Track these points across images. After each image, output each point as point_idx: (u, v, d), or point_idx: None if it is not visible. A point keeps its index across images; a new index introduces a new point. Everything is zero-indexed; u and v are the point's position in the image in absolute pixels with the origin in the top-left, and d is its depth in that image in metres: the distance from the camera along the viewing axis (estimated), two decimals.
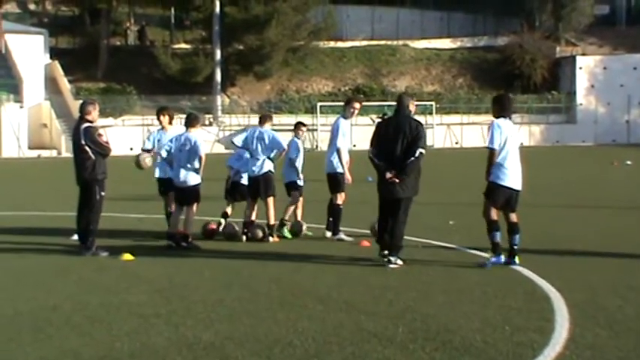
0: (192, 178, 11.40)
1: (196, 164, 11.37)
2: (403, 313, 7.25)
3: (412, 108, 10.09)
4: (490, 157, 9.60)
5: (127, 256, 10.32)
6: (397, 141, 9.70)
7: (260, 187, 11.94)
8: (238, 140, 12.46)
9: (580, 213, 15.54)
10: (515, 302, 7.69)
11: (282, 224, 12.32)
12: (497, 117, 9.85)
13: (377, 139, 9.98)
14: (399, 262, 9.65)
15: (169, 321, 7.05)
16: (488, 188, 9.76)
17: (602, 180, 24.37)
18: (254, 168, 11.99)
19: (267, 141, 11.95)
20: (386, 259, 9.67)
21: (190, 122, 11.70)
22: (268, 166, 12.00)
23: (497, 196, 9.67)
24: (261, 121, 12.32)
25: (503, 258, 9.70)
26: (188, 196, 11.39)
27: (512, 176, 9.69)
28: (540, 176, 25.76)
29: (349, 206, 12.38)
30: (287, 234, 12.26)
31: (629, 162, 31.91)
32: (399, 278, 8.88)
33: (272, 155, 12.03)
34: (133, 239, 11.97)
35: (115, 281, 8.93)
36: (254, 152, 12.00)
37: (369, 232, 12.13)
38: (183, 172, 11.38)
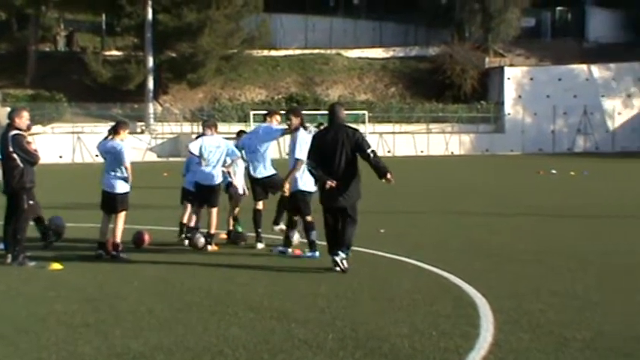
0: (120, 186, 11.24)
1: (123, 172, 11.23)
2: (333, 321, 7.34)
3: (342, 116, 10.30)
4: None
5: (56, 266, 10.18)
6: (336, 151, 9.84)
7: (210, 196, 11.98)
8: (195, 148, 12.08)
9: (507, 221, 15.88)
10: (443, 309, 7.84)
11: (236, 219, 12.74)
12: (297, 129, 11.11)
13: (315, 151, 10.09)
14: (345, 263, 9.75)
15: (98, 330, 7.00)
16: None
17: (529, 188, 24.90)
18: (207, 176, 11.98)
19: (223, 149, 12.00)
20: (337, 257, 9.78)
21: (115, 129, 11.52)
22: (221, 176, 12.08)
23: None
24: (210, 128, 12.30)
25: (317, 254, 10.86)
26: (115, 204, 11.25)
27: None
28: (469, 184, 26.22)
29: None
30: (239, 228, 12.70)
31: (554, 171, 32.67)
32: (330, 286, 8.95)
33: (226, 163, 12.12)
34: (61, 248, 11.79)
35: (42, 291, 8.80)
36: (209, 161, 11.97)
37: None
38: (109, 179, 11.25)
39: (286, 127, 11.64)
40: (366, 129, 47.87)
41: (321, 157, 9.94)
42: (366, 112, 50.12)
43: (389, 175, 9.84)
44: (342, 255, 9.78)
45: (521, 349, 6.38)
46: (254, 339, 6.71)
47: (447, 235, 13.59)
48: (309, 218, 11.03)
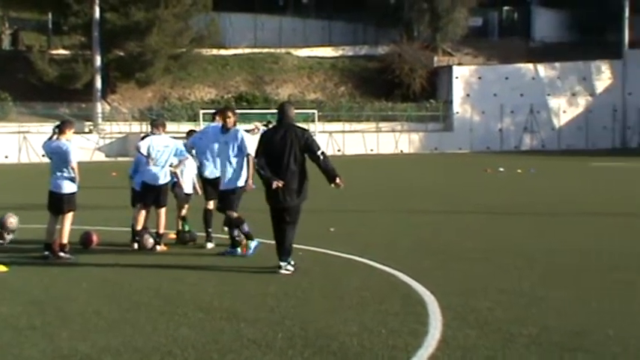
0: (67, 186, 11.07)
1: (70, 172, 11.07)
2: (283, 320, 7.34)
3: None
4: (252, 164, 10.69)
5: (0, 267, 10.01)
6: (284, 150, 9.73)
7: (158, 196, 11.95)
8: (144, 147, 11.92)
9: (456, 219, 16.04)
10: (392, 307, 7.89)
11: (183, 218, 12.67)
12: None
13: (263, 149, 9.95)
14: (290, 267, 9.77)
15: (45, 333, 6.90)
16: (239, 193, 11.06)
17: (477, 187, 25.18)
18: (154, 176, 11.90)
19: (172, 149, 11.96)
20: (280, 269, 9.73)
21: (60, 129, 11.30)
22: (168, 176, 12.02)
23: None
24: (159, 128, 12.20)
25: (256, 242, 11.06)
26: (62, 204, 11.08)
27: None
28: (418, 183, 26.44)
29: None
30: (187, 227, 12.63)
31: (501, 169, 33.09)
32: (280, 285, 8.96)
33: (173, 163, 12.09)
34: (6, 250, 11.60)
35: None
36: (157, 161, 11.88)
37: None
38: (55, 180, 11.09)
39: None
40: (315, 128, 48.00)
41: (269, 157, 9.81)
42: (315, 111, 50.21)
43: (338, 180, 9.84)
44: (283, 264, 9.79)
45: (469, 346, 6.46)
46: (203, 339, 6.68)
47: (397, 233, 13.68)
48: (235, 214, 11.01)
